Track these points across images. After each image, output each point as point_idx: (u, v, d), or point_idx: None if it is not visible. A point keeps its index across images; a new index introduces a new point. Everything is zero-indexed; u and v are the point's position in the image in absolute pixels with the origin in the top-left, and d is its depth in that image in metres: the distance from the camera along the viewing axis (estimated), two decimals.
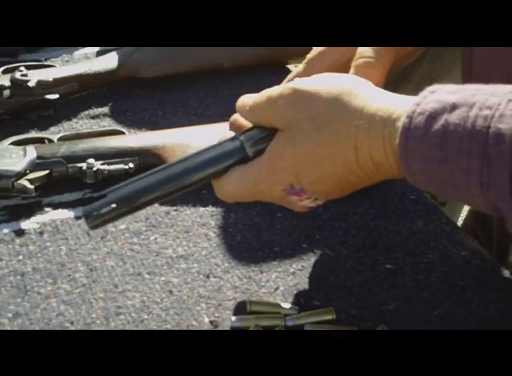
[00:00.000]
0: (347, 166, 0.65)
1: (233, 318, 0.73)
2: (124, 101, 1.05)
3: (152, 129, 0.99)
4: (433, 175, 0.60)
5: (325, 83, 0.67)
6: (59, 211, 0.86)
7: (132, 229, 0.84)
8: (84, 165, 0.88)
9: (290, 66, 1.13)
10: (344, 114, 0.64)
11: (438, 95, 0.60)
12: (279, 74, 1.09)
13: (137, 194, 0.68)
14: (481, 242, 0.90)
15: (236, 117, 0.74)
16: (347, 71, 0.77)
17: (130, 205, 0.69)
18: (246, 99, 0.71)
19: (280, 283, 0.78)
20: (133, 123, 1.01)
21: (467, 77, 0.82)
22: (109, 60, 1.07)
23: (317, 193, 0.69)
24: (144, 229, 0.84)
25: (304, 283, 0.78)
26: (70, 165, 0.88)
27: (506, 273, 0.80)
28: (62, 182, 0.89)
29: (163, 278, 0.79)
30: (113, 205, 0.68)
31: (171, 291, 0.77)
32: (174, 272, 0.79)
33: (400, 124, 0.61)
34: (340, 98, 0.65)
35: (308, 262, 0.80)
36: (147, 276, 0.79)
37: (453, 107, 0.58)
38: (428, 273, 0.79)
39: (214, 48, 1.11)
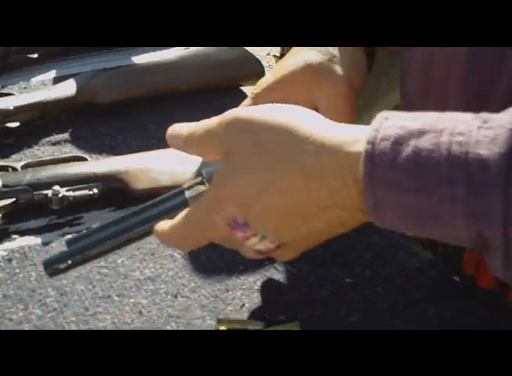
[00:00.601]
0: (295, 196, 0.60)
1: None
2: (83, 127, 1.07)
3: (112, 154, 1.01)
4: (405, 206, 0.55)
5: (270, 110, 0.64)
6: (27, 237, 0.89)
7: None
8: (49, 192, 0.90)
9: (244, 89, 1.16)
10: (291, 139, 0.60)
11: (397, 121, 0.56)
12: (233, 96, 1.12)
13: (90, 248, 0.72)
14: (425, 246, 0.93)
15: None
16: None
17: (84, 259, 0.73)
18: (179, 130, 0.68)
19: (246, 301, 0.81)
20: (94, 148, 1.03)
21: (405, 97, 0.84)
22: (68, 87, 1.09)
23: (263, 229, 0.63)
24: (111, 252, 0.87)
25: (268, 300, 0.81)
26: (35, 192, 0.91)
27: (457, 280, 0.84)
28: (28, 209, 0.91)
29: (132, 300, 0.81)
30: (69, 262, 0.72)
31: (140, 312, 0.80)
32: (143, 294, 0.82)
33: (360, 149, 0.57)
34: (286, 124, 0.61)
35: (271, 278, 0.84)
36: (117, 298, 0.81)
37: (420, 133, 0.55)
38: (386, 285, 0.83)
39: (169, 71, 1.14)
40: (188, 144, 0.67)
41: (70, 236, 0.75)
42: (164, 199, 0.72)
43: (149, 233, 0.72)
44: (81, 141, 1.05)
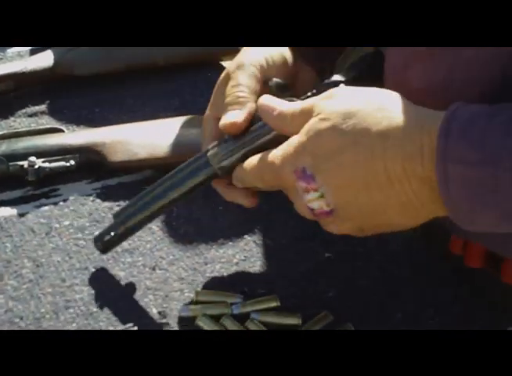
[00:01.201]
0: (368, 159, 0.62)
1: (181, 308, 0.76)
2: (60, 99, 1.05)
3: (89, 126, 1.00)
4: (470, 178, 0.58)
5: (359, 88, 0.67)
6: (2, 208, 0.87)
7: (76, 224, 0.85)
8: (25, 163, 0.89)
9: (223, 63, 1.15)
10: (380, 107, 0.63)
11: (475, 106, 0.60)
12: (212, 71, 1.11)
13: (128, 219, 0.77)
14: None
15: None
16: None
17: (126, 230, 0.78)
18: (272, 103, 0.70)
19: (225, 274, 0.80)
20: (71, 121, 1.02)
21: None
22: (45, 58, 1.07)
23: (325, 188, 0.64)
24: (88, 224, 0.86)
25: (247, 273, 0.81)
26: (11, 163, 0.89)
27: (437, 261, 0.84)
28: (3, 180, 0.90)
29: (110, 272, 0.80)
30: (112, 233, 0.78)
31: (118, 284, 0.79)
32: (121, 266, 0.81)
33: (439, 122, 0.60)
34: (376, 95, 0.65)
35: (250, 252, 0.83)
36: (94, 270, 0.80)
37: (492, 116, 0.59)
38: (366, 262, 0.83)
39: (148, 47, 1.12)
40: (280, 117, 0.69)
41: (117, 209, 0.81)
42: (189, 162, 0.75)
43: (181, 197, 0.76)
44: (58, 113, 1.03)
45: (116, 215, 0.78)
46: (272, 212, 0.88)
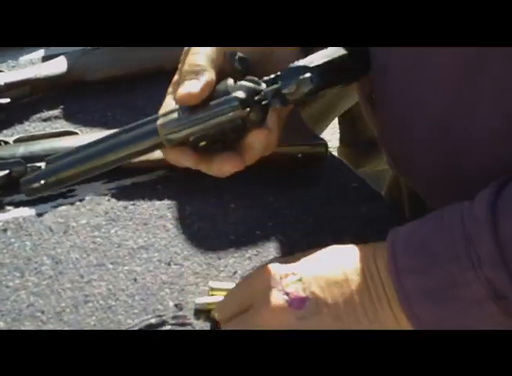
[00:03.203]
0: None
1: (197, 300, 0.78)
2: (73, 103, 1.08)
3: (103, 130, 1.02)
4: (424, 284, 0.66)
5: None
6: (21, 209, 0.90)
7: (93, 223, 0.88)
8: (42, 164, 0.91)
9: None
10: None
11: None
12: None
13: (63, 170, 0.75)
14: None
15: None
16: None
17: (57, 180, 0.75)
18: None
19: (238, 268, 0.83)
20: (84, 124, 1.04)
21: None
22: (58, 64, 1.10)
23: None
24: (104, 223, 0.88)
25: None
26: (29, 165, 0.92)
27: None
28: None
29: (126, 267, 0.83)
30: (42, 181, 0.75)
31: (135, 279, 0.82)
32: (137, 262, 0.84)
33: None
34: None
35: (262, 247, 0.86)
36: (111, 266, 0.83)
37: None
38: None
39: (156, 51, 1.14)
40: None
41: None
42: (138, 125, 0.74)
43: (121, 160, 0.74)
44: (72, 117, 1.06)
45: (49, 162, 0.76)
46: (282, 208, 0.90)
